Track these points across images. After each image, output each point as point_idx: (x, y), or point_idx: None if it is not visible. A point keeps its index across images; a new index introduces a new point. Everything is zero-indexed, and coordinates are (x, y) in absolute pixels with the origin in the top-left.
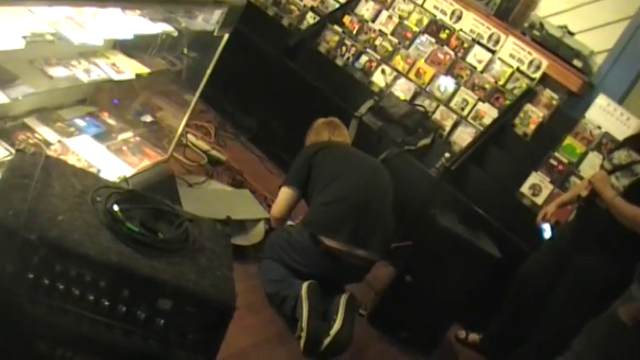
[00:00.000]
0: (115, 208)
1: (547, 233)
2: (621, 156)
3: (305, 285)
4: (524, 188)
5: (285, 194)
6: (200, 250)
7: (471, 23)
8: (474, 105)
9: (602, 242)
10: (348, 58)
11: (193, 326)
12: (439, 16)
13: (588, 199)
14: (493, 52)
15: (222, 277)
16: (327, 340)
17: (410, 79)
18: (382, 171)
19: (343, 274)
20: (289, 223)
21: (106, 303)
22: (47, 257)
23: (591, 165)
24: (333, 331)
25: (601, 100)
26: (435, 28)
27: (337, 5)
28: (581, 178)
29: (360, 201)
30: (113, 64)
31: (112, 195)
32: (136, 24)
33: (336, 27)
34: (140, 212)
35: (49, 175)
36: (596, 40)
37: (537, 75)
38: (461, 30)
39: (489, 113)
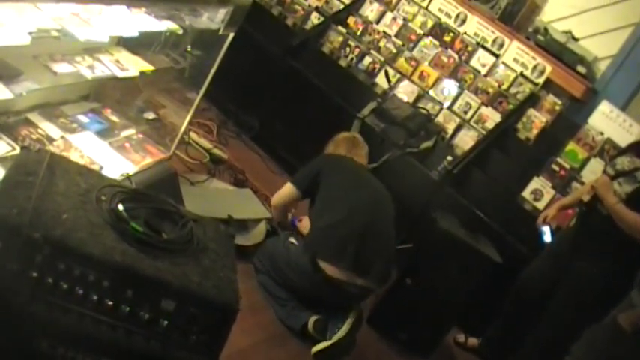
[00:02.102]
0: (120, 207)
1: (547, 236)
2: (624, 162)
3: (311, 321)
4: (526, 193)
5: (287, 190)
6: (204, 251)
7: (476, 27)
8: (477, 109)
9: (602, 248)
10: (352, 59)
11: (196, 327)
12: (443, 18)
13: (590, 204)
14: (497, 56)
15: (226, 278)
16: (324, 343)
17: (413, 82)
18: (387, 199)
19: (340, 300)
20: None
21: (110, 303)
22: (51, 256)
23: (593, 171)
24: (335, 337)
25: (604, 107)
26: (439, 30)
27: (342, 6)
28: (582, 184)
29: (363, 225)
30: (117, 61)
31: (117, 194)
32: (141, 21)
33: (340, 27)
34: (144, 212)
35: (54, 173)
36: (600, 47)
37: (541, 80)
38: (465, 33)
39: (492, 117)
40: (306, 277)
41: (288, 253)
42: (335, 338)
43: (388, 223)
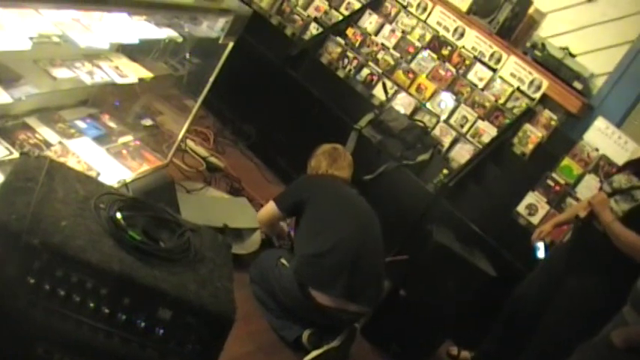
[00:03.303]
0: (118, 215)
1: (541, 252)
2: (621, 180)
3: (306, 335)
4: (521, 207)
5: (270, 208)
6: (201, 261)
7: (474, 41)
8: (474, 122)
9: (597, 264)
10: (350, 70)
11: (192, 337)
12: (442, 32)
13: (586, 220)
14: (494, 70)
15: (222, 288)
16: (315, 352)
17: (411, 94)
18: (374, 219)
19: (332, 324)
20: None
21: (106, 310)
22: (49, 262)
23: (588, 187)
24: (327, 346)
25: (599, 123)
26: (437, 44)
27: (341, 17)
28: (577, 199)
29: (353, 252)
30: (116, 67)
31: (115, 202)
32: (141, 28)
33: (338, 38)
34: (142, 220)
35: (53, 179)
36: (597, 63)
37: (537, 95)
38: (463, 47)
39: (488, 131)
40: (297, 302)
41: (280, 275)
42: (326, 347)
43: (376, 242)
